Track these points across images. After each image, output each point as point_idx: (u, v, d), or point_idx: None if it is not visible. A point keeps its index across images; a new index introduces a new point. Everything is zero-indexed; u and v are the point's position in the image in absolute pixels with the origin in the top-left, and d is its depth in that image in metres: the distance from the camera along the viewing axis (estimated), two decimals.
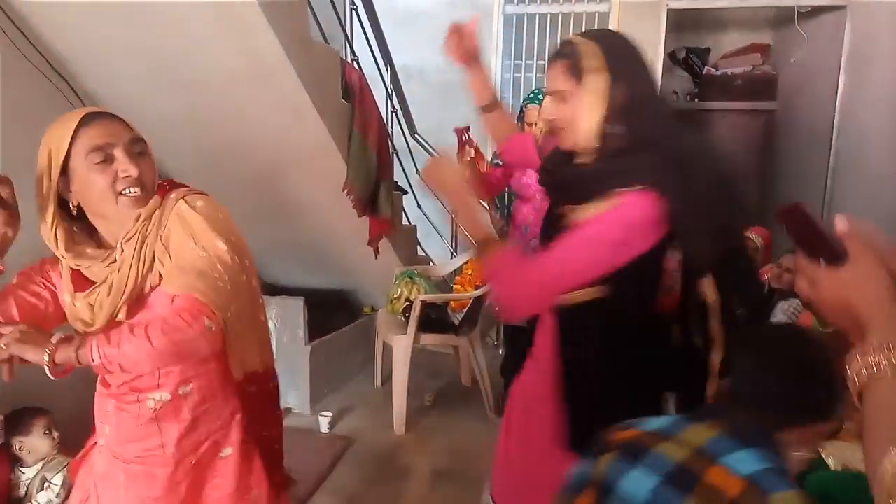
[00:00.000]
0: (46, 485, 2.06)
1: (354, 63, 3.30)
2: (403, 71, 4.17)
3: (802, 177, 4.39)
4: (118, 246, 1.23)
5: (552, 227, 1.34)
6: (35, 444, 2.06)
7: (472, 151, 2.70)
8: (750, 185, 5.44)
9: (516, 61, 4.42)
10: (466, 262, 3.63)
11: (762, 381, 1.10)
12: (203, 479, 1.34)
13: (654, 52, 4.08)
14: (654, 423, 1.14)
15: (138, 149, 1.23)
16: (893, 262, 0.72)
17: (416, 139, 4.08)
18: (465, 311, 3.34)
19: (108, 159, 1.19)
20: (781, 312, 3.14)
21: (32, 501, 2.04)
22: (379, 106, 3.32)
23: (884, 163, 3.37)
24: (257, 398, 1.40)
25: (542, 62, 4.25)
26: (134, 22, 2.25)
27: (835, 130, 3.87)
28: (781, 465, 1.01)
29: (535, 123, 2.77)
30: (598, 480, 1.09)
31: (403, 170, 4.03)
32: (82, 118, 1.20)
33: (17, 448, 2.06)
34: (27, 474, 2.06)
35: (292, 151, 2.92)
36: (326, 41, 3.13)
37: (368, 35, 3.64)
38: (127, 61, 2.48)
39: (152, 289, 1.24)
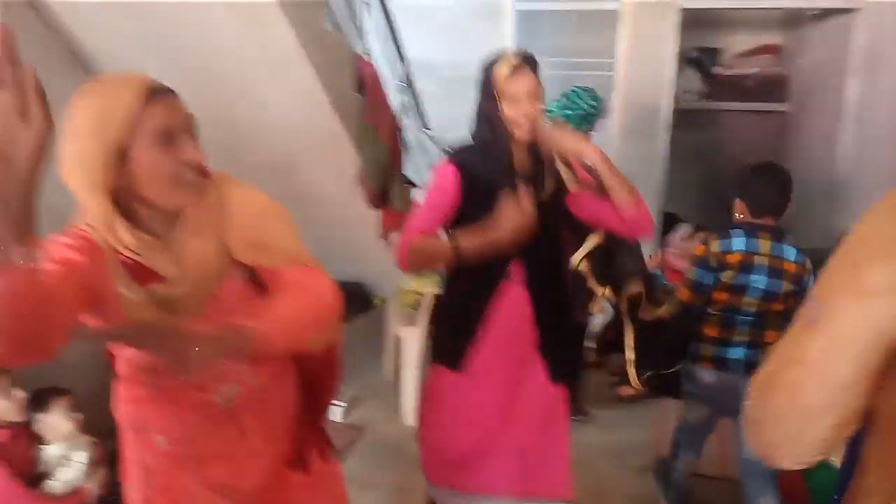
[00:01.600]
0: (69, 462, 2.12)
1: (367, 57, 3.34)
2: (415, 65, 4.21)
3: (810, 179, 4.40)
4: (182, 234, 1.12)
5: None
6: (55, 423, 2.11)
7: None
8: None
9: None
10: None
11: (771, 196, 2.12)
12: (283, 458, 1.31)
13: (666, 51, 4.11)
14: (738, 244, 2.10)
15: (194, 128, 1.13)
16: None
17: (426, 133, 4.11)
18: None
19: (173, 143, 1.07)
20: None
21: (54, 478, 2.10)
22: (391, 100, 3.36)
23: (889, 164, 3.38)
24: (332, 370, 1.42)
25: (554, 59, 4.28)
26: (149, 10, 2.30)
27: (841, 133, 3.89)
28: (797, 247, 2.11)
29: None
30: (728, 283, 2.10)
31: (415, 164, 4.07)
32: (147, 93, 1.05)
33: (38, 427, 2.11)
34: (49, 451, 2.12)
35: (305, 142, 2.97)
36: (341, 31, 3.18)
37: (381, 29, 3.68)
38: (142, 50, 2.53)
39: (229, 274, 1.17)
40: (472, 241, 1.67)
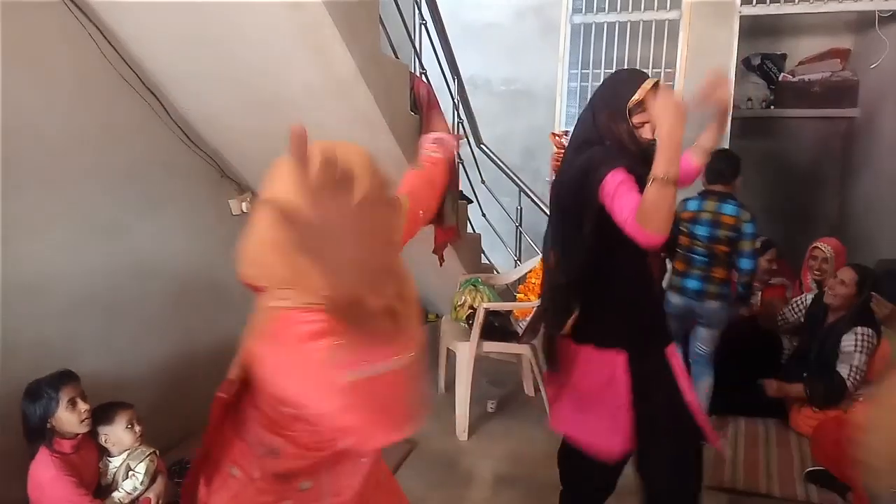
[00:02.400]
0: (130, 473, 2.20)
1: (423, 76, 3.38)
2: (470, 82, 4.23)
3: (883, 187, 4.20)
4: None
5: None
6: (118, 435, 2.20)
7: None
8: (827, 198, 5.25)
9: (583, 70, 4.42)
10: (530, 271, 3.65)
11: (719, 167, 3.03)
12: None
13: (727, 58, 4.00)
14: (691, 205, 3.08)
15: None
16: None
17: (481, 149, 4.12)
18: (527, 319, 3.36)
19: None
20: (854, 341, 3.08)
21: (119, 488, 2.18)
22: (446, 117, 3.38)
23: None
24: None
25: (611, 71, 4.23)
26: (217, 43, 2.40)
27: None
28: (742, 203, 3.03)
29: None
30: (686, 232, 3.02)
31: (469, 179, 4.08)
32: None
33: (103, 439, 2.20)
34: (114, 463, 2.20)
35: None
36: (396, 55, 3.22)
37: (436, 47, 3.71)
38: (210, 80, 2.63)
39: None
40: (660, 160, 1.55)
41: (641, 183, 1.64)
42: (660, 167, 1.54)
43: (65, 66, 2.38)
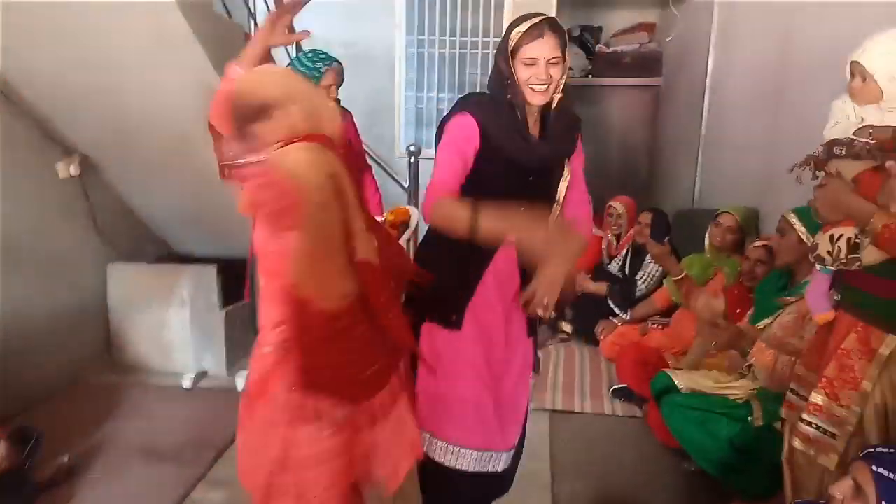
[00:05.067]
0: None
1: None
2: (308, 45, 4.26)
3: (681, 149, 4.80)
4: None
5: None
6: None
7: None
8: (639, 159, 5.88)
9: (419, 37, 4.61)
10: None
11: None
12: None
13: None
14: None
15: None
16: None
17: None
18: None
19: None
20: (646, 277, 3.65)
21: None
22: None
23: (744, 133, 3.74)
24: None
25: (442, 38, 4.47)
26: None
27: (705, 105, 4.27)
28: None
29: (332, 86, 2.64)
30: None
31: None
32: None
33: None
34: None
35: (201, 124, 3.01)
36: (230, 15, 3.22)
37: (270, 8, 3.72)
38: (44, 44, 2.53)
39: None
40: (493, 225, 1.50)
41: (498, 152, 1.65)
42: (489, 230, 1.49)
43: None
